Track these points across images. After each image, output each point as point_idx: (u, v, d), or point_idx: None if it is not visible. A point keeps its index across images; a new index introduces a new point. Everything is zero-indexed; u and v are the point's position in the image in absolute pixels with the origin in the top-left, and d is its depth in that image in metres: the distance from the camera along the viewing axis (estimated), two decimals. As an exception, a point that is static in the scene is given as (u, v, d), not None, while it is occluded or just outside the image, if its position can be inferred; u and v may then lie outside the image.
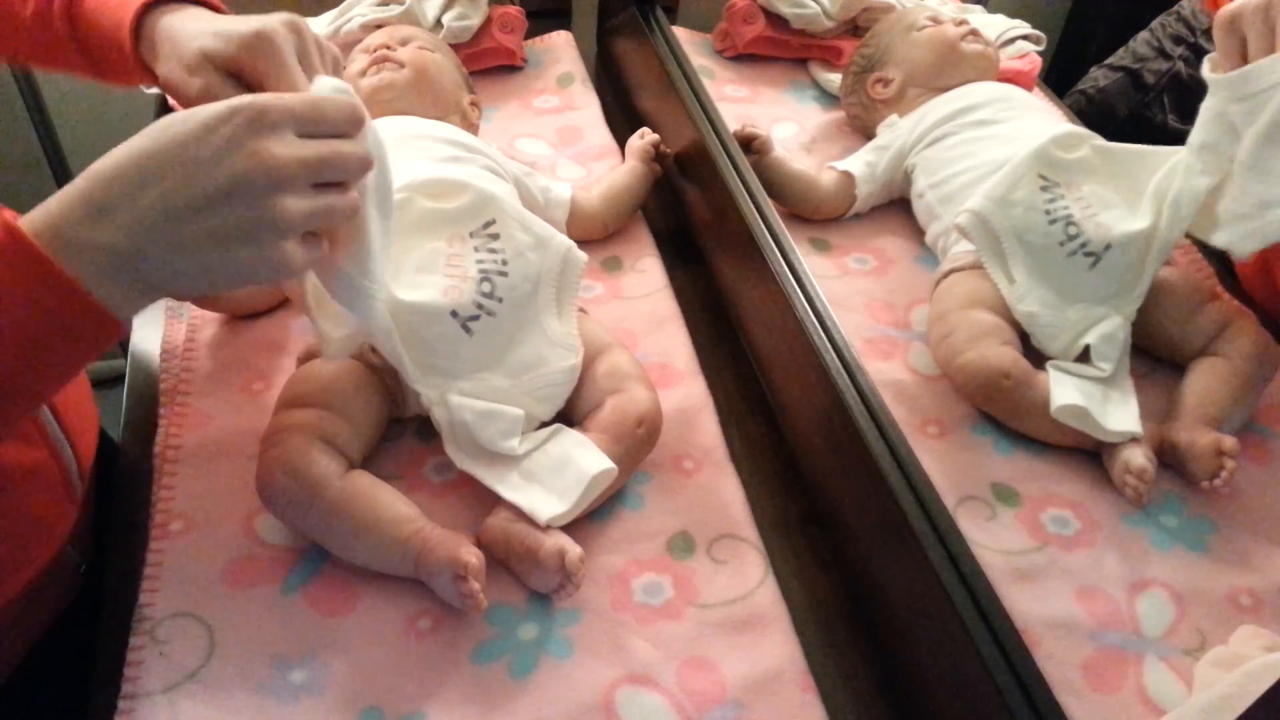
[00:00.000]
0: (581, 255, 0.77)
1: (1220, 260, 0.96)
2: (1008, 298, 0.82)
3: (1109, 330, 0.80)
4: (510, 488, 0.69)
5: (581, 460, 0.69)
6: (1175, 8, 1.26)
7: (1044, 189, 0.83)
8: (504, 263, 0.74)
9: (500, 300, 0.73)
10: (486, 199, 0.76)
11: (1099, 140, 0.87)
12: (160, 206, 0.48)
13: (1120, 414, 0.76)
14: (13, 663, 0.69)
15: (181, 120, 0.50)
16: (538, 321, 0.74)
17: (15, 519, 0.65)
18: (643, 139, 1.01)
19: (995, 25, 1.22)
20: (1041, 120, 0.97)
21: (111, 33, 0.65)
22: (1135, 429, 0.75)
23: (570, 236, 0.94)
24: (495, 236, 0.75)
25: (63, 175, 1.72)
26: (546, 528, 0.67)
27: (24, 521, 0.66)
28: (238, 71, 0.60)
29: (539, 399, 0.74)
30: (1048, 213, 0.82)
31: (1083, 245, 0.81)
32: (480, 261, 0.74)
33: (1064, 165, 0.85)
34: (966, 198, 0.91)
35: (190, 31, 0.62)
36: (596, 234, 0.97)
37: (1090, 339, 0.80)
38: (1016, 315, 0.81)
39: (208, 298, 0.81)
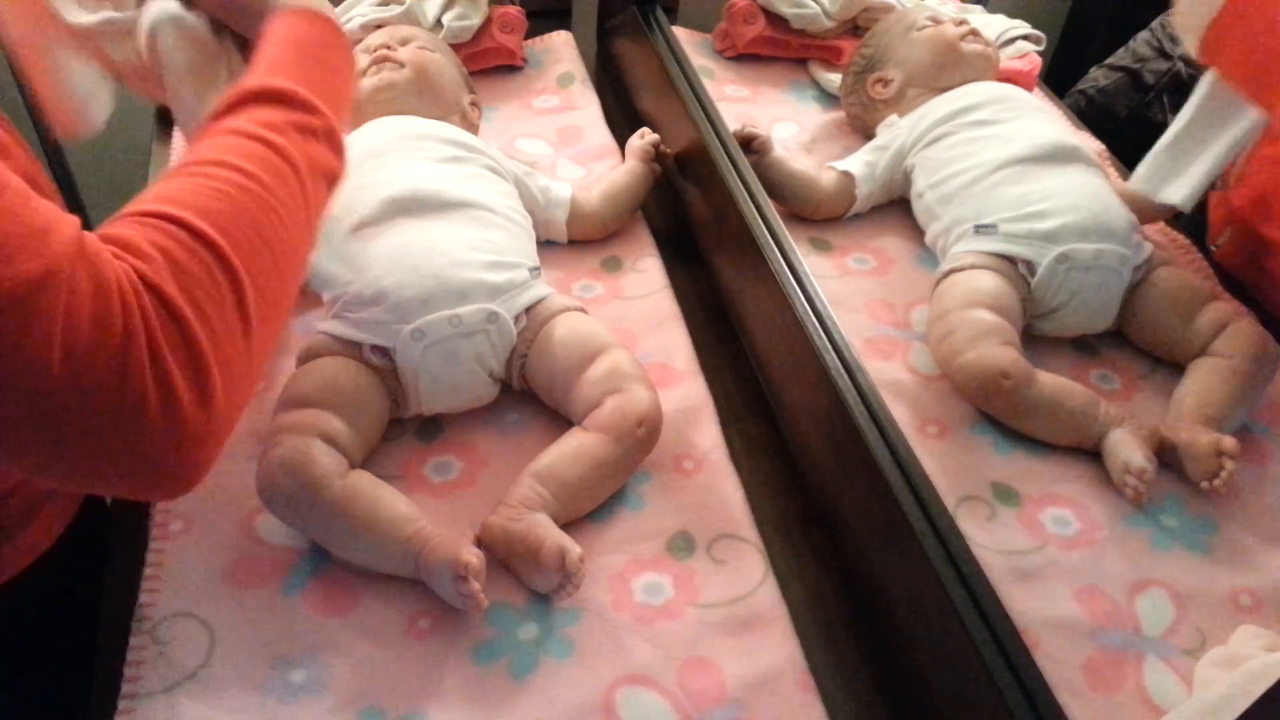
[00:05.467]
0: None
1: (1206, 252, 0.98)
2: None
3: None
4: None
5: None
6: (1175, 8, 1.26)
7: None
8: None
9: None
10: None
11: None
12: None
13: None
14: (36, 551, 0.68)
15: None
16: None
17: None
18: (643, 139, 1.01)
19: (995, 25, 1.22)
20: (1041, 121, 0.97)
21: None
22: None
23: (570, 236, 0.95)
24: None
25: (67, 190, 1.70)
26: None
27: None
28: None
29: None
30: None
31: None
32: None
33: None
34: (966, 198, 0.91)
35: None
36: (596, 234, 0.97)
37: None
38: None
39: None
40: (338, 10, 1.17)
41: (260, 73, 0.56)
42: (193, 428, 0.43)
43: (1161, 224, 0.99)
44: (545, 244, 0.93)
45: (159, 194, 0.48)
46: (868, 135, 1.07)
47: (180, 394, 0.42)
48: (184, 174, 0.50)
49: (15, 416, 0.40)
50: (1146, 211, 0.94)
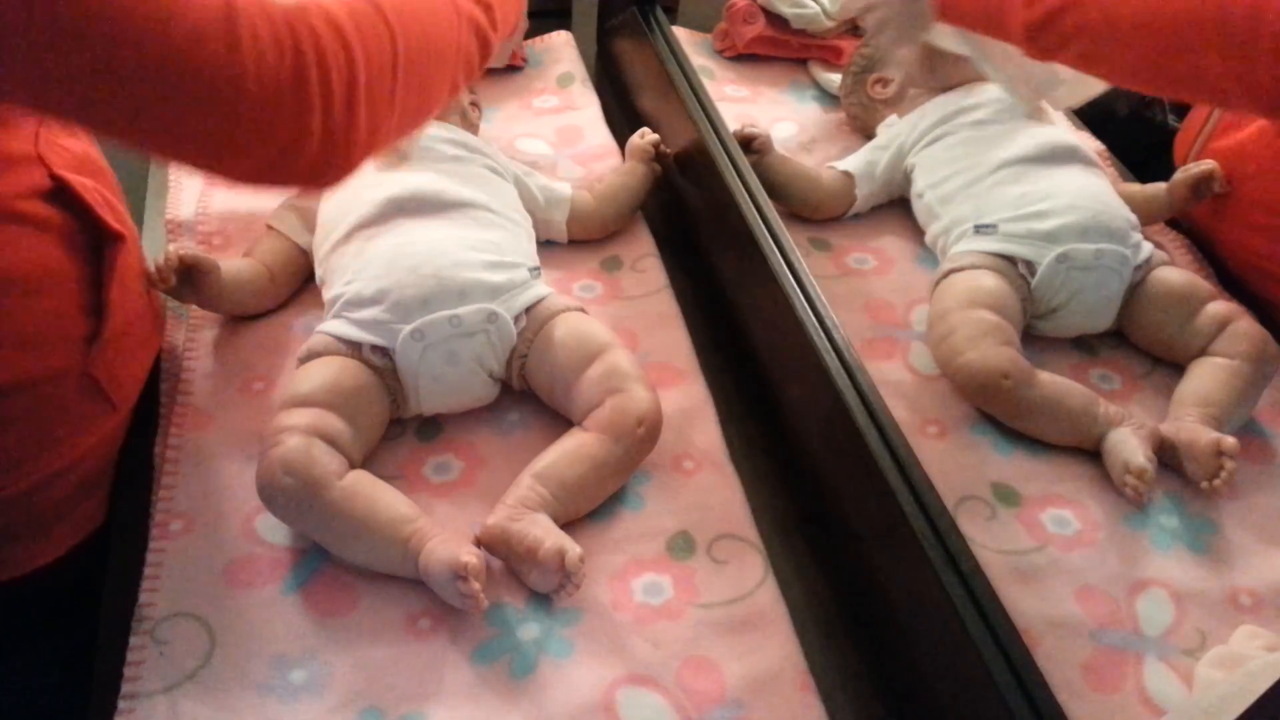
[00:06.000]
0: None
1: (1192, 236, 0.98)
2: None
3: None
4: None
5: None
6: (1175, 7, 1.26)
7: None
8: None
9: None
10: None
11: None
12: None
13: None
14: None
15: None
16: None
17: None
18: (643, 139, 1.01)
19: (995, 25, 1.22)
20: (1041, 120, 0.97)
21: None
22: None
23: (570, 236, 0.95)
24: None
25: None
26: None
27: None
28: None
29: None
30: None
31: None
32: None
33: None
34: (966, 198, 0.91)
35: None
36: (596, 234, 0.97)
37: None
38: None
39: (210, 298, 0.82)
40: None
41: None
42: (340, 134, 0.52)
43: (1161, 224, 0.99)
44: (545, 244, 0.93)
45: None
46: (868, 135, 1.07)
47: (335, 103, 0.51)
48: None
49: (208, 119, 0.48)
50: (1146, 211, 0.94)
